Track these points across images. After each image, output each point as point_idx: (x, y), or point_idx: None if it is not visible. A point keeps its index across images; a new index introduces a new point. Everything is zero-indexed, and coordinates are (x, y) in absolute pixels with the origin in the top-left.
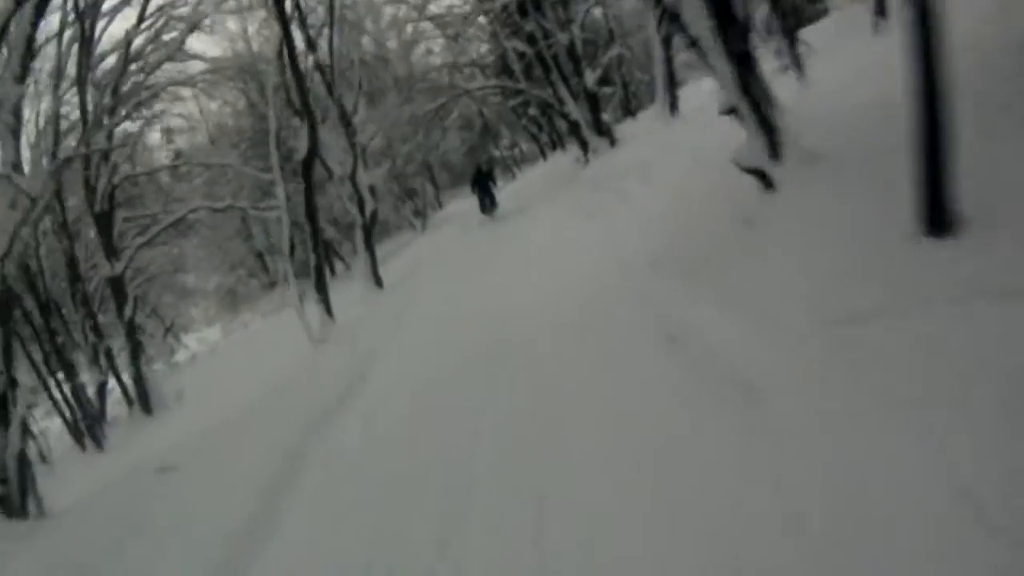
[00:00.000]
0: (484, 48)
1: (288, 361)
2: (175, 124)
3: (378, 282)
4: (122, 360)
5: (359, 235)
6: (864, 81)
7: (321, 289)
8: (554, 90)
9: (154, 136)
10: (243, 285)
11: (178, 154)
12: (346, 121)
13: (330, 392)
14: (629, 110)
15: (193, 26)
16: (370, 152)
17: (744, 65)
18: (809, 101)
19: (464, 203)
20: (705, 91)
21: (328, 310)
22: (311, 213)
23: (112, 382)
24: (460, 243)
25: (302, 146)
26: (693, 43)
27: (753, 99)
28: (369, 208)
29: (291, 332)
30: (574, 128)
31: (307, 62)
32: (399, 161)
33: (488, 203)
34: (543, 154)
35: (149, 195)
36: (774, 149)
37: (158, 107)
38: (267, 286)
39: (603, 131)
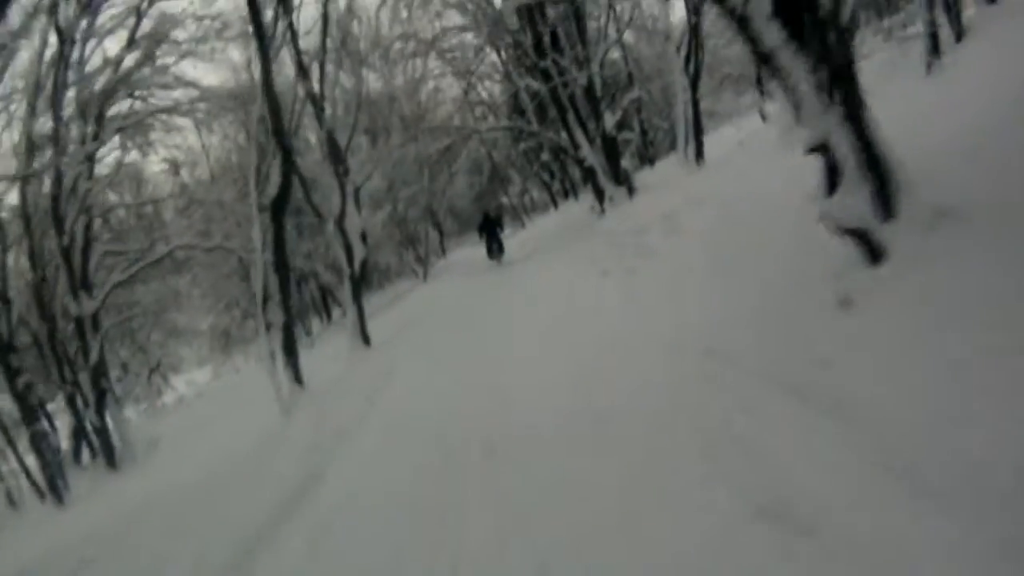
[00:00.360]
0: (496, 88)
1: (255, 428)
2: (177, 157)
3: (365, 339)
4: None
5: (347, 286)
6: (943, 121)
7: (290, 351)
8: (569, 133)
9: (157, 169)
10: (237, 327)
11: (183, 188)
12: (338, 158)
13: (281, 489)
14: (647, 158)
15: (187, 52)
16: (369, 194)
17: (842, 82)
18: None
19: (469, 251)
20: (728, 139)
21: (297, 376)
22: (280, 260)
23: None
24: (461, 298)
25: (273, 182)
26: (764, 58)
27: (857, 129)
28: (359, 257)
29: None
30: (589, 175)
31: (296, 91)
32: (400, 205)
33: (496, 249)
34: (554, 202)
35: (140, 230)
36: (885, 202)
37: (153, 136)
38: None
39: (621, 179)
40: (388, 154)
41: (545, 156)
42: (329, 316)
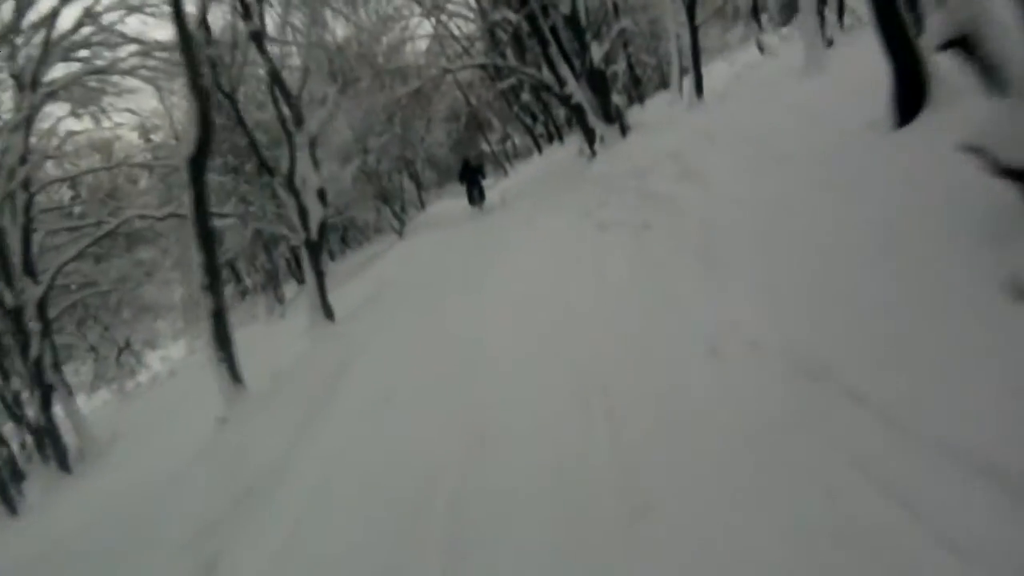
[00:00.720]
0: (471, 27)
1: (193, 439)
2: (132, 122)
3: (328, 313)
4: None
5: (305, 255)
6: None
7: (223, 343)
8: (552, 68)
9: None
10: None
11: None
12: (288, 102)
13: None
14: (634, 97)
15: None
16: (337, 147)
17: None
18: None
19: (449, 202)
20: (723, 74)
21: (234, 373)
22: (203, 230)
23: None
24: (439, 259)
25: (191, 136)
26: None
27: None
28: (316, 218)
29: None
30: (576, 114)
31: (236, 31)
32: (371, 157)
33: (477, 195)
34: (538, 147)
35: (98, 203)
36: None
37: (106, 101)
38: (239, 295)
39: (612, 116)
40: (356, 101)
41: (526, 96)
42: (302, 280)
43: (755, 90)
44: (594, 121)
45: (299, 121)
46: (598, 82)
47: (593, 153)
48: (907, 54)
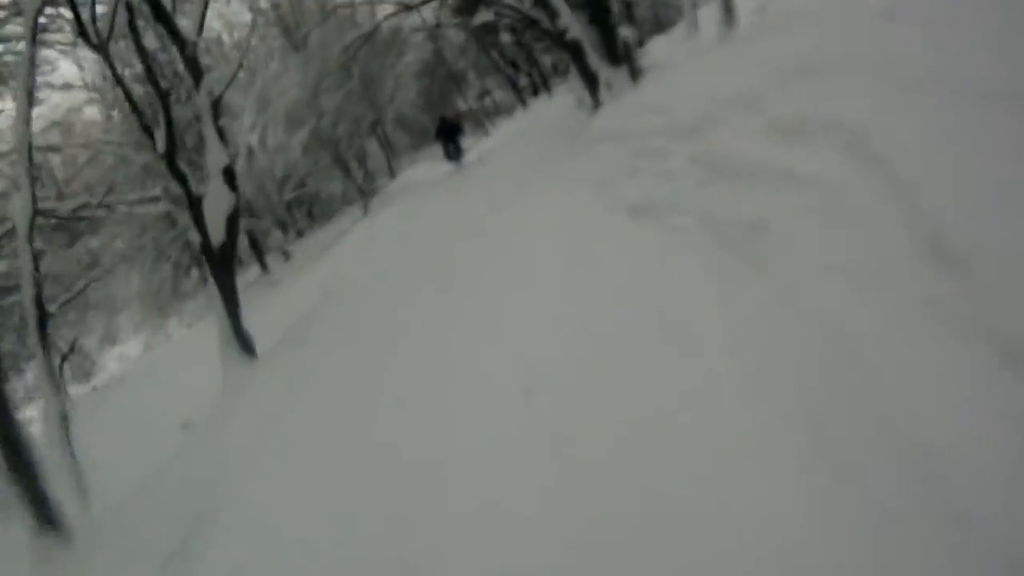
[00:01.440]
0: None
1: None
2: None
3: (246, 346)
4: None
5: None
6: None
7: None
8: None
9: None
10: (169, 285)
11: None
12: (184, 53)
13: None
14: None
15: None
16: (285, 111)
17: None
18: None
19: (424, 168)
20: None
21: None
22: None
23: None
24: (405, 246)
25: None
26: None
27: None
28: (219, 213)
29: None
30: (573, 55)
31: None
32: (325, 120)
33: (453, 151)
34: (522, 101)
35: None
36: None
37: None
38: (200, 282)
39: (620, 57)
40: (304, 55)
41: (505, 38)
42: (264, 265)
43: (807, 19)
44: (596, 62)
45: (197, 76)
46: (598, 11)
47: (597, 103)
48: None
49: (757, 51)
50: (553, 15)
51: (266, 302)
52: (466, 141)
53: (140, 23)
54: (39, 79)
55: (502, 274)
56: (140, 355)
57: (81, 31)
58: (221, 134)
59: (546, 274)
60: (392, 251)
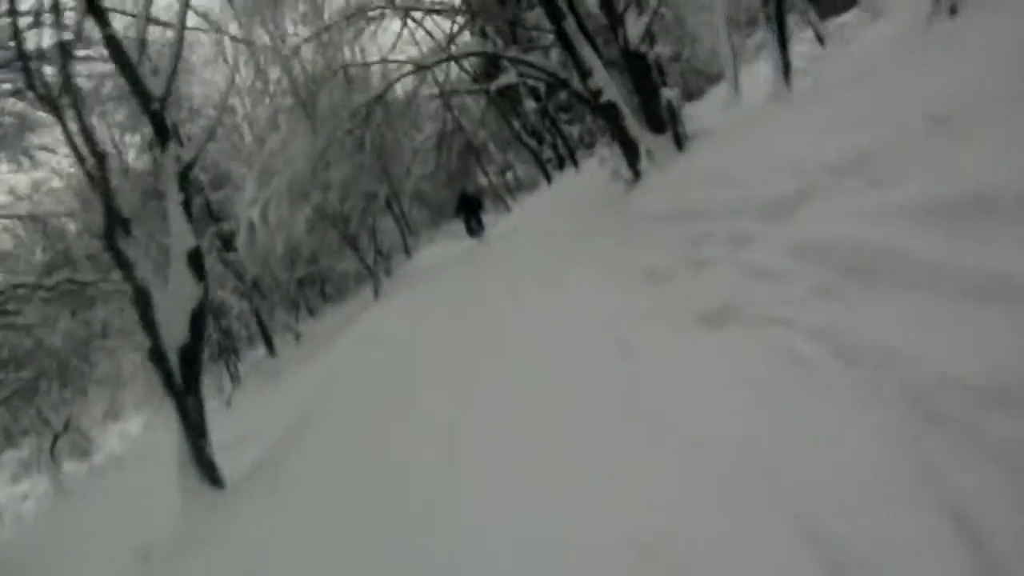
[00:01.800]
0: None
1: None
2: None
3: (210, 475)
4: None
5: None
6: None
7: None
8: (570, 52)
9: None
10: None
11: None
12: (150, 111)
13: None
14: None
15: None
16: (289, 183)
17: None
18: None
19: (443, 247)
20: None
21: None
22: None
23: None
24: (417, 343)
25: None
26: None
27: None
28: (181, 308)
29: None
30: (609, 119)
31: None
32: (332, 194)
33: (475, 225)
34: (546, 175)
35: None
36: None
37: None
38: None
39: (664, 120)
40: (311, 123)
41: (529, 105)
42: (271, 346)
43: (851, 81)
44: (635, 128)
45: (163, 138)
46: (637, 71)
47: (636, 175)
48: None
49: (808, 110)
50: (585, 74)
51: (260, 400)
52: (487, 218)
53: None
54: (35, 140)
55: (528, 420)
56: (140, 435)
57: (30, 84)
58: (188, 208)
59: (590, 419)
60: (393, 363)
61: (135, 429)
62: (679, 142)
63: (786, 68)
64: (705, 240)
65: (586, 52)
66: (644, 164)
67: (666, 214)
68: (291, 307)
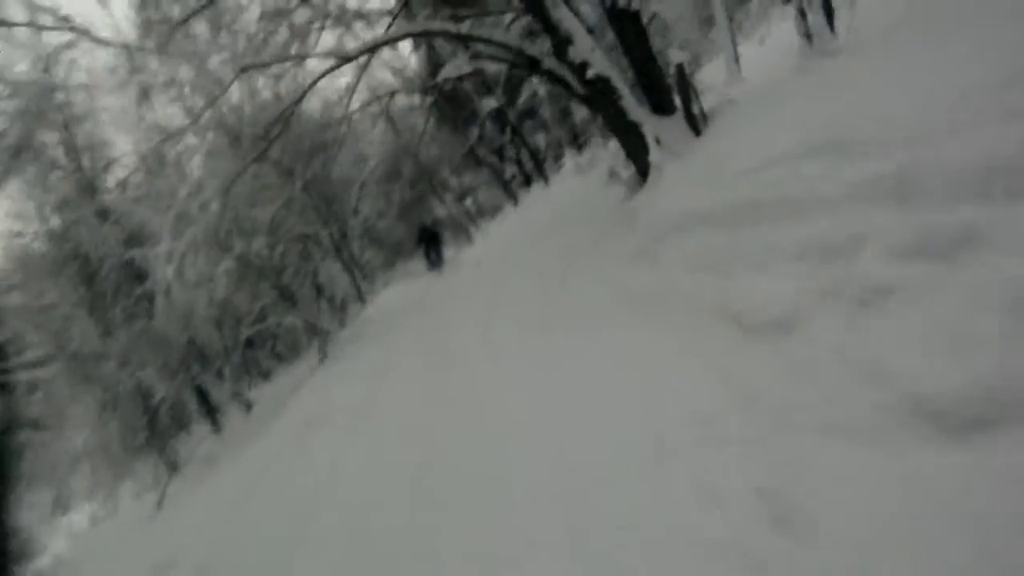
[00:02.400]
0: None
1: None
2: None
3: None
4: None
5: None
6: None
7: None
8: (541, 17)
9: None
10: (121, 441)
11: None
12: None
13: None
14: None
15: None
16: (206, 231)
17: None
18: None
19: (400, 288)
20: (758, 57)
21: None
22: None
23: None
24: (369, 435)
25: None
26: None
27: None
28: None
29: None
30: (599, 102)
31: None
32: (258, 241)
33: (435, 258)
34: (511, 196)
35: None
36: None
37: None
38: (154, 437)
39: (671, 94)
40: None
41: (488, 106)
42: (215, 422)
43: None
44: (636, 110)
45: None
46: (629, 36)
47: (643, 173)
48: None
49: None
50: (562, 44)
51: (193, 500)
52: (448, 252)
53: None
54: None
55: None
56: (86, 530)
57: None
58: None
59: None
60: (337, 465)
61: (81, 521)
62: (694, 124)
63: (829, 15)
64: (765, 255)
65: (563, 13)
66: (655, 155)
67: (697, 216)
68: (241, 373)
